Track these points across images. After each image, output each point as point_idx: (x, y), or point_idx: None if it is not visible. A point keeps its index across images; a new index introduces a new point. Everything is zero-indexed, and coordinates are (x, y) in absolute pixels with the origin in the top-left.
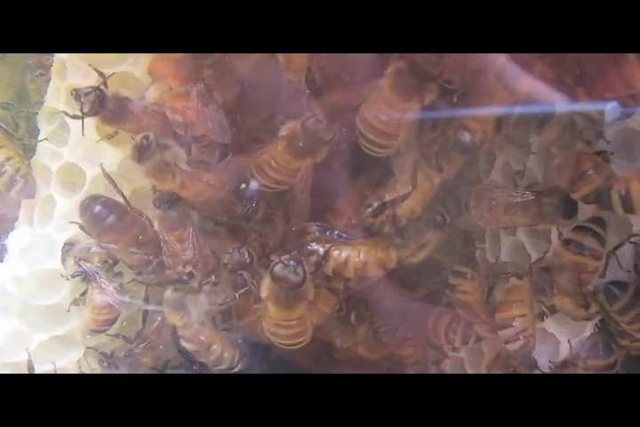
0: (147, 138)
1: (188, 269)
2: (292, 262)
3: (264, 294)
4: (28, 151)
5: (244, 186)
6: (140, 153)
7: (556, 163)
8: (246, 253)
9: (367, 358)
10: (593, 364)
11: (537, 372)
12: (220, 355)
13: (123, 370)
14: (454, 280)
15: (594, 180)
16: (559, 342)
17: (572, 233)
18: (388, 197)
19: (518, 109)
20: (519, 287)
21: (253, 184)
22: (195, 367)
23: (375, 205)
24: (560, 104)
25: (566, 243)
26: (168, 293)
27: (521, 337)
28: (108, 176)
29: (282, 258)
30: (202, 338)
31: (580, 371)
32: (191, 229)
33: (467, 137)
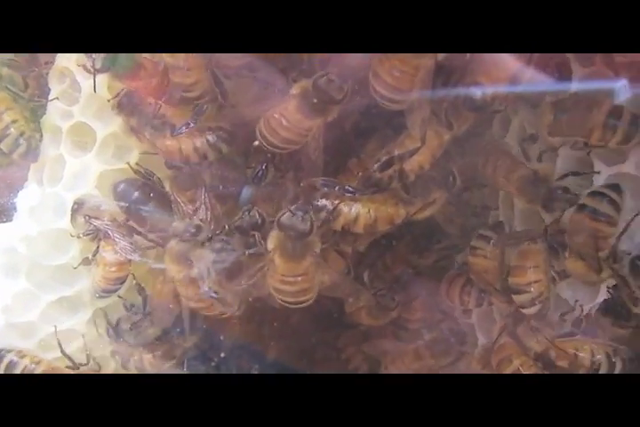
0: (127, 95)
1: (196, 221)
2: (298, 212)
3: (271, 246)
4: (39, 110)
5: (256, 143)
6: (118, 109)
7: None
8: (257, 215)
9: (372, 325)
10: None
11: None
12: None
13: (128, 341)
14: (477, 243)
15: None
16: (573, 309)
17: (587, 199)
18: (396, 152)
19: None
20: (533, 251)
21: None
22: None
23: (383, 159)
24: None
25: (581, 208)
26: (172, 243)
27: (537, 302)
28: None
29: (289, 208)
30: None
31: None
32: (203, 189)
33: (478, 93)
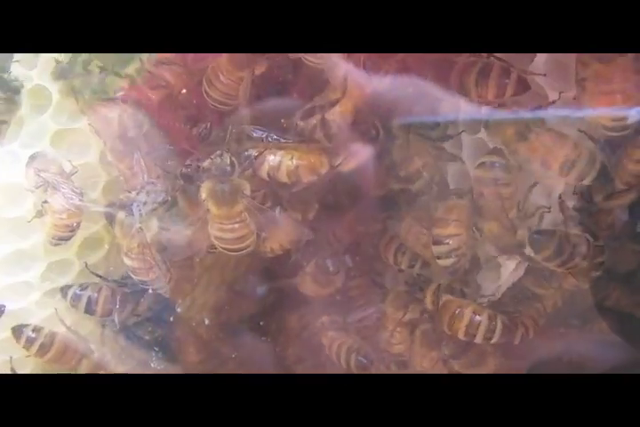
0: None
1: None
2: (217, 158)
3: (204, 195)
4: None
5: (184, 91)
6: (56, 75)
7: None
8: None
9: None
10: None
11: (482, 299)
12: (157, 277)
13: None
14: None
15: None
16: (500, 266)
17: (478, 171)
18: (317, 102)
19: None
20: (459, 206)
21: None
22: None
23: (305, 107)
24: None
25: (478, 179)
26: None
27: (452, 255)
28: None
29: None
30: (146, 258)
31: None
32: (137, 155)
33: None
